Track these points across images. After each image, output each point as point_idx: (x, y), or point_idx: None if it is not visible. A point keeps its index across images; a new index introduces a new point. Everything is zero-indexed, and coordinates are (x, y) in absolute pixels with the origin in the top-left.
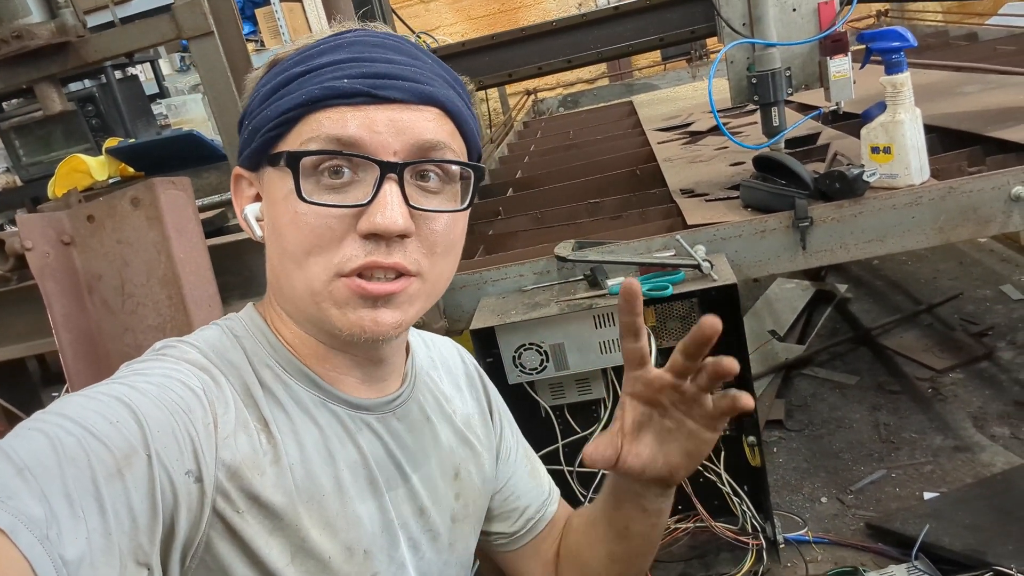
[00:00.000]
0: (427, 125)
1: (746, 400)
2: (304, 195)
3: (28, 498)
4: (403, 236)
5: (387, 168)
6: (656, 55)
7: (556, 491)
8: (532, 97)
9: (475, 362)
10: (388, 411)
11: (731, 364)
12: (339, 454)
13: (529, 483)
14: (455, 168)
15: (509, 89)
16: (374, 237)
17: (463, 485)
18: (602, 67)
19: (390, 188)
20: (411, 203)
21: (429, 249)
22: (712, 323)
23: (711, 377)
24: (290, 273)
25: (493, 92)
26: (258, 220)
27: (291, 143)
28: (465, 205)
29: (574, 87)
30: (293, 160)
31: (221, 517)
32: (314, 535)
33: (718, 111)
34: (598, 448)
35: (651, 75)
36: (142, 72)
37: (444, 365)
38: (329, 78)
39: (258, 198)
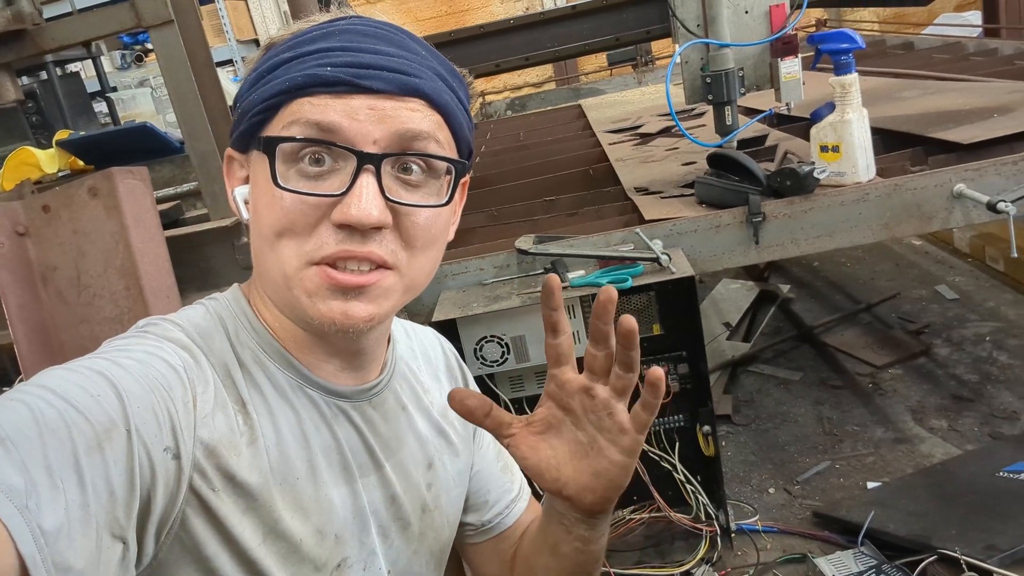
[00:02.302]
0: (411, 115)
1: (655, 375)
2: (280, 181)
3: (8, 468)
4: (378, 228)
5: (364, 159)
6: (602, 60)
7: (527, 491)
8: (480, 100)
9: (456, 352)
10: (364, 399)
11: (629, 321)
12: (314, 439)
13: (500, 478)
14: (439, 162)
15: None
16: (348, 228)
17: (436, 476)
18: (549, 71)
19: (366, 180)
20: (389, 196)
21: (408, 243)
22: (607, 291)
23: (623, 347)
24: (265, 255)
25: None
26: (246, 202)
27: (274, 128)
28: (445, 200)
29: (521, 91)
30: (270, 145)
31: (197, 494)
32: (286, 517)
33: (666, 115)
34: (468, 395)
35: (597, 80)
36: (83, 70)
37: (424, 355)
38: (313, 65)
39: (248, 180)
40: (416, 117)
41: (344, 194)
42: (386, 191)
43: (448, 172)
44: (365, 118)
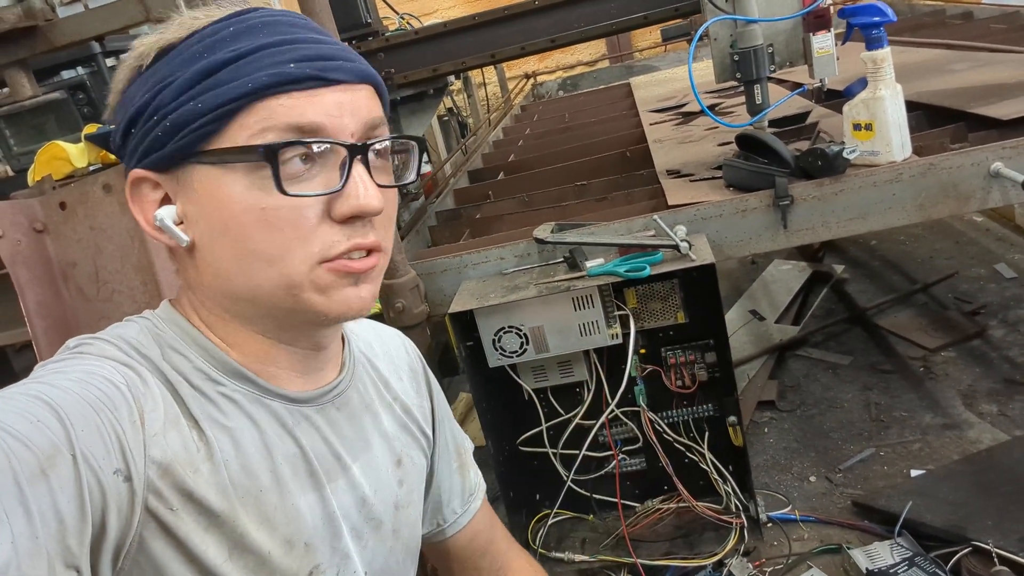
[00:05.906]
0: (369, 103)
1: None
2: (284, 188)
3: None
4: (376, 215)
5: (355, 151)
6: (657, 36)
7: (481, 489)
8: (531, 81)
9: (420, 355)
10: (326, 401)
11: None
12: (276, 448)
13: (454, 479)
14: (391, 143)
15: (508, 73)
16: (350, 220)
17: (406, 472)
18: (602, 50)
19: (359, 170)
20: (378, 182)
21: (388, 223)
22: None
23: None
24: (255, 273)
25: (492, 77)
26: (177, 223)
27: (235, 136)
28: (415, 178)
29: (574, 70)
30: (271, 154)
31: (154, 515)
32: (252, 531)
33: (714, 91)
34: None
35: (651, 56)
36: None
37: (387, 354)
38: (270, 63)
39: (165, 200)
40: (372, 104)
41: (343, 187)
42: (374, 178)
43: (404, 150)
44: (340, 113)
